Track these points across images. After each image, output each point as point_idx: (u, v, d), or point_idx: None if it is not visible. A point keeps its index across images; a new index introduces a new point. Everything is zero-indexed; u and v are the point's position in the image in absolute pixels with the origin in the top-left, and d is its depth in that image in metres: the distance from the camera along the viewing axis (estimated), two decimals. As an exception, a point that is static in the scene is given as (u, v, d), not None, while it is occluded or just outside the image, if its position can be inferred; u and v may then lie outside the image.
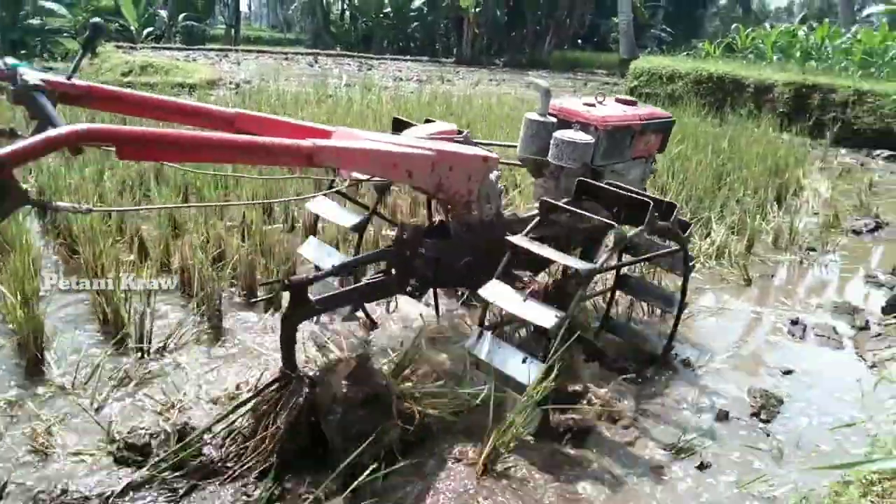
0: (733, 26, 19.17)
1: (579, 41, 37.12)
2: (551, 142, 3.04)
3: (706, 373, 3.18)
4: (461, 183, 2.63)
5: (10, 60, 1.87)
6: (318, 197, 3.29)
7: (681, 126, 8.84)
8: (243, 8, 44.51)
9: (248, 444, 2.26)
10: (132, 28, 20.57)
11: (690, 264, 3.01)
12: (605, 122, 3.17)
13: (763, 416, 2.80)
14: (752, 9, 45.01)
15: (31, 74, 1.80)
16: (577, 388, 2.76)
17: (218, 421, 2.37)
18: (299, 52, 26.55)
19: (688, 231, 2.86)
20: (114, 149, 1.55)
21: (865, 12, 28.53)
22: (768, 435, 2.70)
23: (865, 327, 3.78)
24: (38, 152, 1.43)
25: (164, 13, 23.87)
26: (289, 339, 2.32)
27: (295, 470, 2.20)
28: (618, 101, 3.49)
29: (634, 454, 2.52)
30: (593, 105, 3.29)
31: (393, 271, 2.74)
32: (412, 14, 32.26)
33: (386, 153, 2.31)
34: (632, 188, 2.77)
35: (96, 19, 2.07)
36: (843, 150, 10.22)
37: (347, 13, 34.87)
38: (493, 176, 2.80)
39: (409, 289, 2.84)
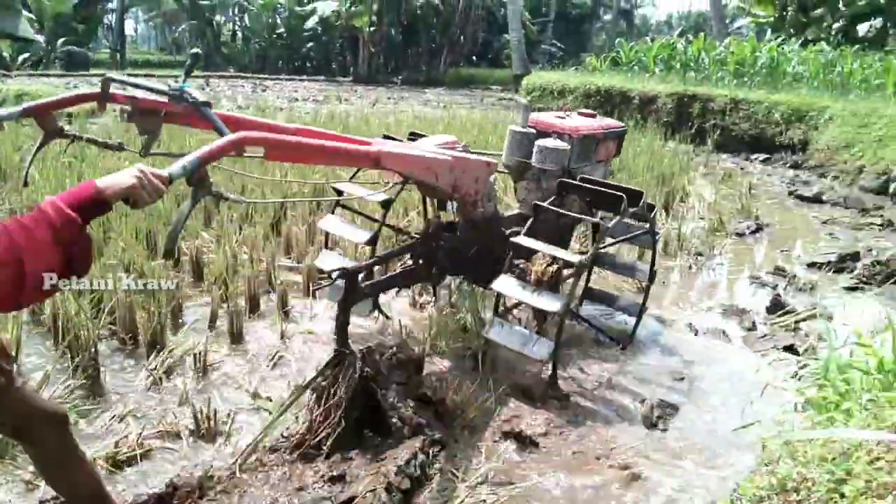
0: (617, 41, 20.02)
1: (474, 58, 37.79)
2: (534, 149, 3.55)
3: (604, 381, 3.22)
4: (470, 184, 3.08)
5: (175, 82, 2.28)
6: (327, 217, 3.75)
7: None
8: (129, 31, 42.75)
9: (315, 417, 2.57)
10: (5, 54, 19.22)
11: (656, 239, 3.62)
12: (577, 131, 3.74)
13: (660, 426, 2.85)
14: (634, 23, 47.37)
15: (197, 93, 2.28)
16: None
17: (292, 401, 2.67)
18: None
19: (653, 212, 3.45)
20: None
21: (736, 25, 30.60)
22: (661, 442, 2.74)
23: (753, 328, 3.95)
24: (224, 152, 1.84)
25: (41, 38, 22.48)
26: (343, 320, 2.66)
27: (358, 434, 2.58)
28: (580, 114, 4.10)
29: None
30: (563, 118, 3.88)
31: (420, 261, 3.31)
32: (306, 34, 31.88)
33: (423, 158, 2.82)
34: (607, 182, 3.45)
35: (195, 50, 2.49)
36: (724, 156, 10.82)
37: (240, 34, 34.10)
38: (490, 179, 3.25)
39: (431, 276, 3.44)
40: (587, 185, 3.25)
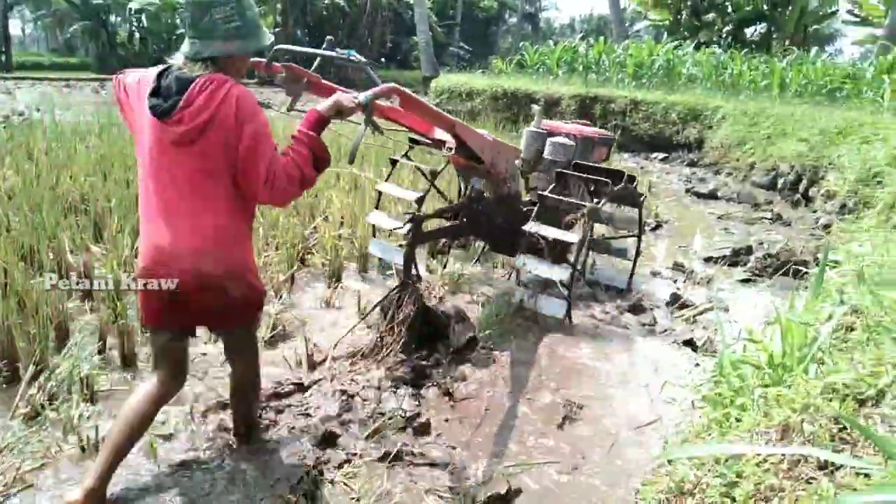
0: (521, 44, 20.39)
1: (383, 60, 37.61)
2: (547, 145, 4.44)
3: (516, 378, 3.22)
4: (502, 164, 3.90)
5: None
6: (383, 182, 4.63)
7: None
8: (15, 31, 40.11)
9: (382, 331, 3.37)
10: None
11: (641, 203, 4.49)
12: (580, 132, 4.78)
13: (567, 427, 2.86)
14: (539, 26, 48.48)
15: (358, 56, 2.97)
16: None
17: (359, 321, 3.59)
18: (83, 79, 24.37)
19: (635, 182, 4.23)
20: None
21: (635, 28, 31.79)
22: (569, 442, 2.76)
23: (653, 323, 4.06)
24: (385, 92, 2.62)
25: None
26: (409, 257, 3.52)
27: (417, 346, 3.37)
28: (576, 122, 5.12)
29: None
30: (568, 123, 4.87)
31: (464, 220, 4.01)
32: (208, 35, 30.80)
33: (476, 133, 3.68)
34: (598, 167, 4.37)
35: (329, 38, 3.23)
36: (625, 155, 11.19)
37: (137, 35, 32.56)
38: (516, 163, 4.10)
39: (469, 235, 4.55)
40: (581, 175, 4.13)
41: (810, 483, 1.10)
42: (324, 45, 3.09)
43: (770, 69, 12.88)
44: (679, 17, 21.82)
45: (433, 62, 24.03)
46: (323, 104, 2.31)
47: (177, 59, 2.23)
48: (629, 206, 4.70)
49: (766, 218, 6.99)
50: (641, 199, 4.53)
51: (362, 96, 2.39)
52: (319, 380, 3.17)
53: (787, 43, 19.30)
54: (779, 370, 1.94)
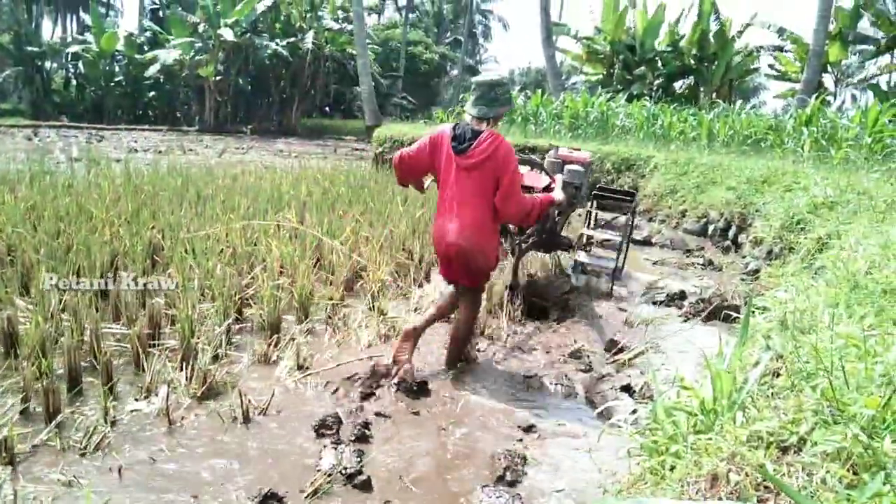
0: (461, 96, 20.84)
1: (327, 109, 37.81)
2: (565, 171, 5.19)
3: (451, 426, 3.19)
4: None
5: None
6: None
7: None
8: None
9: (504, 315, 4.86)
10: None
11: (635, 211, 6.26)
12: (586, 160, 5.85)
13: (508, 478, 2.84)
14: (480, 78, 49.60)
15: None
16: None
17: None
18: (16, 126, 23.66)
19: (634, 199, 6.19)
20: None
21: (571, 81, 32.95)
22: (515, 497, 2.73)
23: (590, 368, 4.11)
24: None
25: None
26: (516, 265, 5.43)
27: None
28: (571, 148, 6.56)
29: None
30: (572, 152, 6.05)
31: (541, 237, 5.44)
32: (147, 82, 30.43)
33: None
34: (619, 190, 6.28)
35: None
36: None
37: (73, 81, 31.94)
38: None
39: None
40: (608, 194, 6.22)
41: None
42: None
43: (698, 121, 13.50)
44: (612, 71, 22.76)
45: (376, 112, 24.30)
46: (555, 195, 4.28)
47: (467, 118, 3.82)
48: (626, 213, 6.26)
49: (698, 263, 7.22)
50: (635, 207, 6.16)
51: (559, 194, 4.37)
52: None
53: (713, 96, 20.31)
54: (710, 416, 1.98)
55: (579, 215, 7.53)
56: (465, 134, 3.70)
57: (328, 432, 3.16)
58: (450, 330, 4.18)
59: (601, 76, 23.47)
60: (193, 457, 2.93)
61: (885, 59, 21.75)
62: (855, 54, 22.29)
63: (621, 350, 4.33)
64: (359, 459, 2.91)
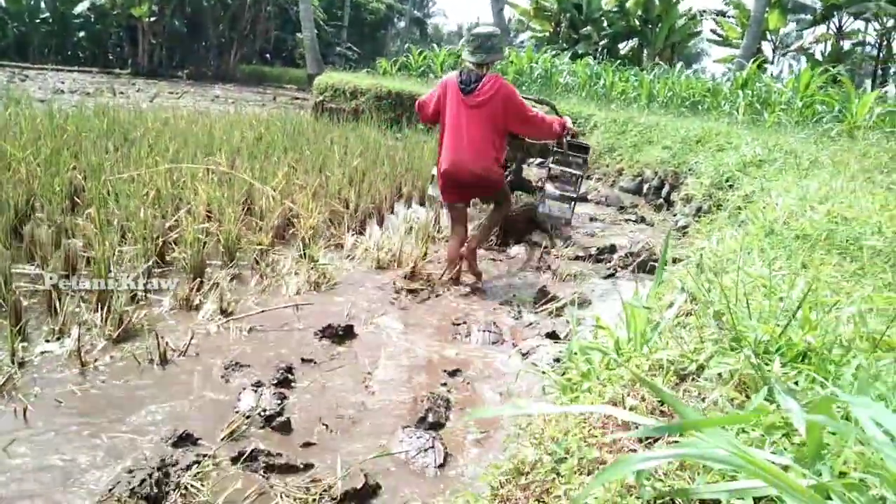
0: (406, 45, 20.45)
1: (268, 56, 36.64)
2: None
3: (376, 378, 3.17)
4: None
5: None
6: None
7: (362, 140, 9.08)
8: None
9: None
10: None
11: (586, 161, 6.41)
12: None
13: (430, 420, 2.85)
14: (427, 32, 48.89)
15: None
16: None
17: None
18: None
19: (588, 150, 6.45)
20: None
21: (519, 39, 32.73)
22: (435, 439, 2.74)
23: (519, 317, 4.14)
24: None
25: None
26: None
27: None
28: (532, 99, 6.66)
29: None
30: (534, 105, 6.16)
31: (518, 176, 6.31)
32: (77, 20, 28.75)
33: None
34: (574, 143, 6.05)
35: None
36: (505, 159, 11.42)
37: (-8, 16, 29.90)
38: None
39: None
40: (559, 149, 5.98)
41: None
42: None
43: (639, 81, 13.61)
44: (558, 29, 22.68)
45: (319, 60, 23.65)
46: (567, 122, 5.14)
47: (468, 65, 4.56)
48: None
49: (630, 220, 7.35)
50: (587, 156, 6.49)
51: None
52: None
53: (656, 59, 20.50)
54: (623, 354, 2.00)
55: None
56: (470, 78, 4.48)
57: (249, 376, 3.10)
58: (476, 230, 5.06)
59: (548, 34, 23.38)
60: (106, 398, 2.83)
61: (821, 29, 22.34)
62: (793, 23, 22.81)
63: (551, 300, 4.37)
64: (279, 402, 2.87)
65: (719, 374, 1.23)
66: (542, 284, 4.71)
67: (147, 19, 27.11)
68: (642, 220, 7.33)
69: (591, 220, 7.37)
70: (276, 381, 3.05)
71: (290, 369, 3.17)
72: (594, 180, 9.89)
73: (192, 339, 3.34)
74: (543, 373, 2.25)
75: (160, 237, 4.43)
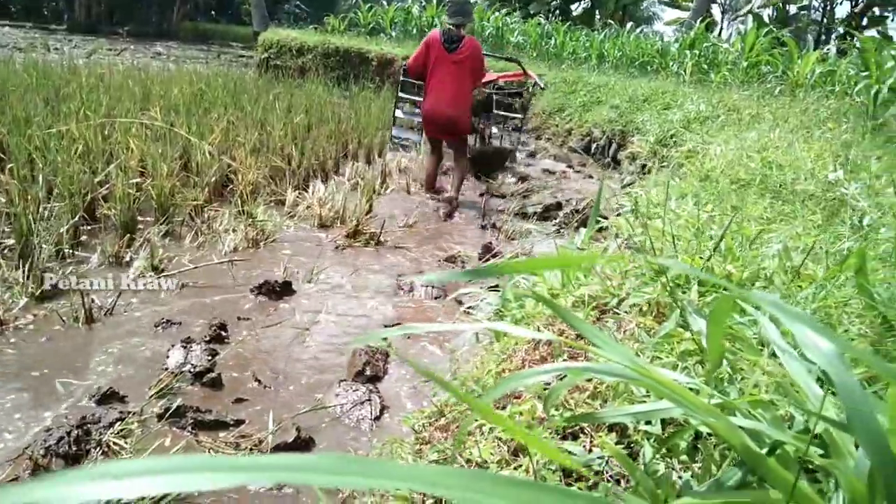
0: (352, 1, 19.94)
1: (213, 13, 35.36)
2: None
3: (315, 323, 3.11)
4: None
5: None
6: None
7: (307, 97, 8.83)
8: None
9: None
10: None
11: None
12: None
13: (368, 373, 2.80)
14: (379, -10, 47.75)
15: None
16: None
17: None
18: None
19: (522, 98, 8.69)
20: None
21: (471, -2, 32.30)
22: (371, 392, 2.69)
23: (464, 273, 4.10)
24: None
25: None
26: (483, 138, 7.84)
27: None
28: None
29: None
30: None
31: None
32: (5, -29, 27.18)
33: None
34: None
35: None
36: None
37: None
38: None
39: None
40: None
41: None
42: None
43: (590, 42, 13.56)
44: (511, -12, 22.39)
45: (265, 17, 22.92)
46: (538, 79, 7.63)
47: (448, 25, 5.61)
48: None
49: (578, 178, 7.36)
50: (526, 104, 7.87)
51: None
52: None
53: (607, 20, 20.45)
54: (557, 298, 1.96)
55: None
56: (452, 37, 5.57)
57: (180, 333, 3.00)
58: (453, 170, 5.95)
59: (500, -7, 23.05)
60: (26, 358, 2.70)
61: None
62: (741, -14, 22.97)
63: (495, 255, 4.34)
64: (210, 358, 2.78)
65: (639, 307, 1.20)
66: (489, 241, 4.68)
67: (81, -28, 25.81)
68: (589, 178, 7.34)
69: (539, 177, 7.35)
70: (207, 339, 2.95)
71: (223, 326, 3.07)
72: (544, 140, 9.86)
73: (119, 296, 3.20)
74: (476, 320, 2.21)
75: (89, 193, 4.23)
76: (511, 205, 5.84)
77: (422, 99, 6.11)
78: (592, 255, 0.99)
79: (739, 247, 1.48)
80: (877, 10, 21.97)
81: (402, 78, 7.97)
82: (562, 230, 5.14)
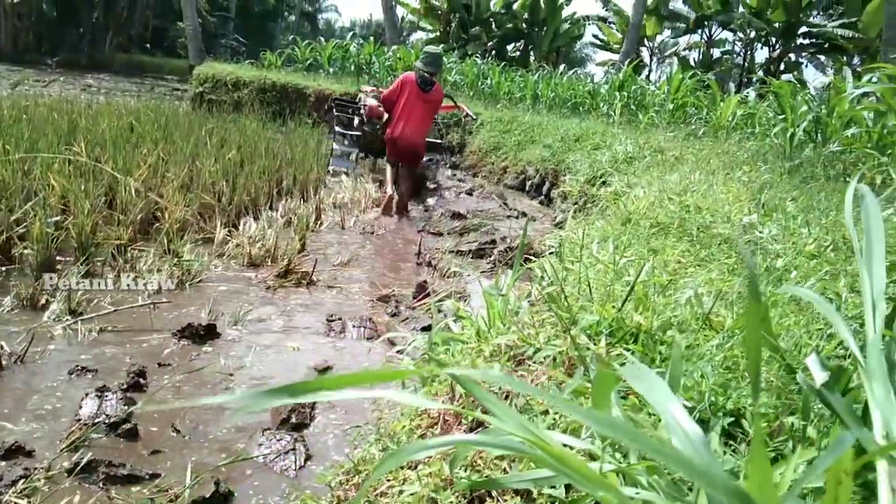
0: (291, 37, 19.95)
1: (147, 45, 34.78)
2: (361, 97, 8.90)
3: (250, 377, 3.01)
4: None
5: None
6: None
7: (241, 132, 8.73)
8: None
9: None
10: None
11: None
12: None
13: (294, 421, 2.72)
14: (318, 26, 47.97)
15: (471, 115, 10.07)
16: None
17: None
18: None
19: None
20: None
21: (412, 38, 32.80)
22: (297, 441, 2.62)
23: (397, 313, 4.07)
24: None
25: None
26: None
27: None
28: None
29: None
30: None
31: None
32: (-77, -2, 26.15)
33: None
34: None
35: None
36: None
37: None
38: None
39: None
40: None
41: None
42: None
43: (525, 82, 13.90)
44: (448, 28, 22.84)
45: (202, 51, 22.64)
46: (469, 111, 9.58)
47: (423, 71, 7.02)
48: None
49: (512, 216, 7.46)
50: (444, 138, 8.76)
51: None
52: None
53: (541, 61, 21.06)
54: (483, 343, 1.95)
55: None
56: (426, 81, 6.97)
57: (96, 381, 2.86)
58: (403, 191, 7.02)
59: (438, 33, 23.50)
60: (-79, 410, 2.52)
61: (695, 38, 23.72)
62: (669, 30, 24.08)
63: (427, 295, 4.33)
64: (126, 407, 2.65)
65: (552, 357, 1.20)
66: (423, 280, 4.67)
67: (10, 0, 25.05)
68: (523, 215, 7.45)
69: (476, 214, 7.42)
70: (125, 386, 2.82)
71: (141, 373, 2.94)
72: (481, 177, 9.99)
73: (31, 342, 3.04)
74: (402, 362, 2.18)
75: (4, 232, 4.03)
76: (447, 243, 5.86)
77: (382, 126, 7.44)
78: (404, 371, 1.00)
79: (654, 293, 1.51)
80: (792, 56, 23.33)
81: (335, 112, 9.18)
82: (496, 267, 5.18)
